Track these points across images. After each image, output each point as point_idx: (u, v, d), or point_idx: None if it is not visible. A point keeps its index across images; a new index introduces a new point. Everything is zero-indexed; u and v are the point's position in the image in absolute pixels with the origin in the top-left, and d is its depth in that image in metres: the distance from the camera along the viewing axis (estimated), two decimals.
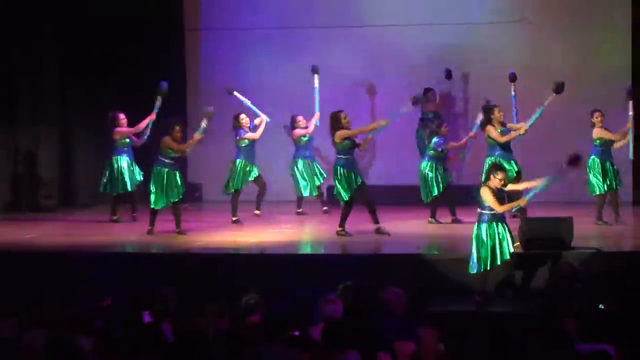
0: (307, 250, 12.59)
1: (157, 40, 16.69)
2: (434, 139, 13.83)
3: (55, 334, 7.04)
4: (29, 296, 9.19)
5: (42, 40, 15.95)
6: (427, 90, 15.69)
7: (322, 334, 7.17)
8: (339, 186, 12.57)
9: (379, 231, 12.67)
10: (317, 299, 8.16)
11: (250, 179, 14.50)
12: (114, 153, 14.33)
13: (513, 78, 13.71)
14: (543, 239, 11.22)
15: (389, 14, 16.66)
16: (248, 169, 14.43)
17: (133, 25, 16.56)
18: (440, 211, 13.83)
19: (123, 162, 14.34)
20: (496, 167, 10.71)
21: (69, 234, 13.62)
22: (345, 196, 12.54)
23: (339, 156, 12.69)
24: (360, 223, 13.07)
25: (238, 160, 14.39)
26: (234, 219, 14.18)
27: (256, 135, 14.47)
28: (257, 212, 14.71)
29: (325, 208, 14.91)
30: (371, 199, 12.72)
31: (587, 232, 12.54)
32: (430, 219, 13.87)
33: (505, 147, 13.10)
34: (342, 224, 12.69)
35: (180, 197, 13.23)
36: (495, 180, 10.37)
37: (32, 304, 8.26)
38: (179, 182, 13.19)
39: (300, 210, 15.04)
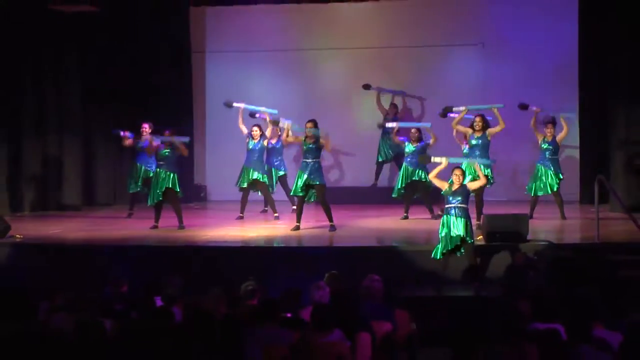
0: (297, 243, 12.58)
1: (167, 60, 16.72)
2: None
3: (82, 316, 7.06)
4: (56, 284, 9.20)
5: (67, 60, 15.93)
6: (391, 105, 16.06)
7: (311, 315, 7.20)
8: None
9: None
10: (307, 286, 8.20)
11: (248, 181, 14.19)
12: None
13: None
14: (502, 233, 11.25)
15: (363, 38, 16.70)
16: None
17: (146, 47, 16.58)
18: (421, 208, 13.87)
19: (134, 166, 14.46)
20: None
21: (91, 229, 13.61)
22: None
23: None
24: (345, 219, 13.13)
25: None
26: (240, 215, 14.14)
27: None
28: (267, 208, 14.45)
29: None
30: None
31: (540, 226, 12.61)
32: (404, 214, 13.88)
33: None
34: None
35: (159, 197, 13.02)
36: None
37: (59, 291, 8.26)
38: (169, 181, 13.00)
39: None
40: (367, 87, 16.18)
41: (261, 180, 14.12)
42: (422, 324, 8.46)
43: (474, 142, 12.92)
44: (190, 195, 16.11)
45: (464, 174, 10.96)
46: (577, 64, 15.68)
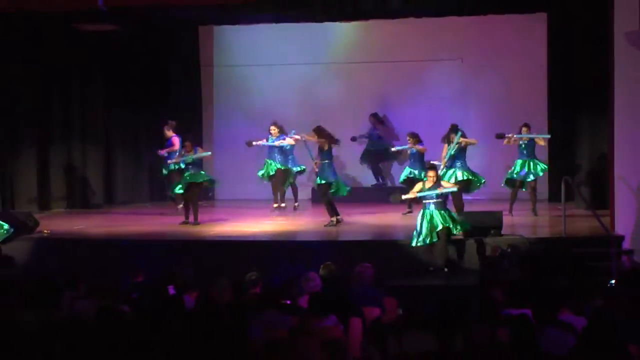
0: (296, 237, 12.58)
1: (179, 74, 16.73)
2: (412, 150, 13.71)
3: (102, 303, 7.05)
4: (79, 274, 9.18)
5: (91, 74, 15.94)
6: (373, 115, 16.05)
7: (308, 303, 7.20)
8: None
9: (334, 223, 12.66)
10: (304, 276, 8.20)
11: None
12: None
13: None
14: (479, 228, 11.27)
15: (355, 54, 16.68)
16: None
17: (160, 62, 16.58)
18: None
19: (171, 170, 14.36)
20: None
21: (110, 225, 13.61)
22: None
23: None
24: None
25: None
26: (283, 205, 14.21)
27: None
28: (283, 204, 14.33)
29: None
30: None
31: (514, 222, 12.61)
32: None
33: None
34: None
35: (179, 191, 13.15)
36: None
37: (81, 280, 8.25)
38: (202, 177, 13.20)
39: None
40: (353, 139, 16.02)
41: (282, 169, 14.04)
42: (408, 310, 8.46)
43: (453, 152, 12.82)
44: (200, 194, 16.07)
45: (437, 175, 10.93)
46: (547, 78, 15.69)
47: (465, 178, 12.72)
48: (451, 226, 10.71)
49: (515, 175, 13.26)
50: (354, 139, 15.94)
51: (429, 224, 10.65)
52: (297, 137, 13.90)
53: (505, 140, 13.34)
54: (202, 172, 13.45)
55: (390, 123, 16.50)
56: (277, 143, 14.06)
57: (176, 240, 12.23)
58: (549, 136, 13.99)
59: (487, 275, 10.02)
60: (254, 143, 14.22)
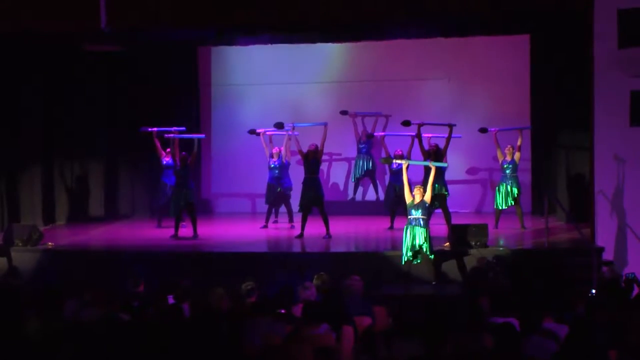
0: (292, 249, 12.57)
1: (178, 92, 16.71)
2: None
3: (106, 311, 7.04)
4: (83, 284, 9.16)
5: (94, 95, 15.92)
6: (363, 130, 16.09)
7: (301, 311, 7.19)
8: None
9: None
10: (298, 286, 8.19)
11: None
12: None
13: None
14: (466, 240, 11.29)
15: (345, 73, 16.70)
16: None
17: (160, 81, 16.56)
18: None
19: (160, 183, 14.34)
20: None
21: (112, 237, 13.58)
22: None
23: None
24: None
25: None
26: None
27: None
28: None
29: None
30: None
31: (499, 234, 12.63)
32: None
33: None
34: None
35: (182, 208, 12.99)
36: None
37: (85, 290, 8.23)
38: (185, 196, 12.96)
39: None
40: (344, 112, 16.07)
41: (284, 193, 13.98)
42: (398, 318, 8.45)
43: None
44: (198, 208, 16.04)
45: (424, 190, 10.92)
46: (529, 96, 15.74)
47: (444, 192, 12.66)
48: (425, 246, 10.70)
49: (501, 204, 13.24)
50: (344, 112, 15.83)
51: (411, 241, 10.66)
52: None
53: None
54: (186, 191, 13.02)
55: (378, 140, 16.49)
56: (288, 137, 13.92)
57: (176, 251, 12.20)
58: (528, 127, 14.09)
59: (473, 285, 10.01)
60: (257, 131, 14.15)
